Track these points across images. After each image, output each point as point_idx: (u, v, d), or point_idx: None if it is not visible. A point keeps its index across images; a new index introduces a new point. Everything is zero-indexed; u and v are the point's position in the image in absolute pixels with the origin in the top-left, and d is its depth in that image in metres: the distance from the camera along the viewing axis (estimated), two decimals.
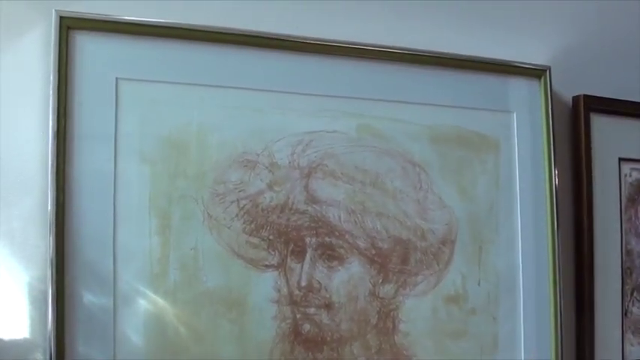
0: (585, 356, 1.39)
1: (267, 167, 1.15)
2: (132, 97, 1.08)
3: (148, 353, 1.05)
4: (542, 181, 1.37)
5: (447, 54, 1.29)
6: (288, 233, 1.14)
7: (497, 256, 1.30)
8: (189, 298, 1.08)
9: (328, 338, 1.15)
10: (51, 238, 1.00)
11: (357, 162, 1.21)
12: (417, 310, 1.22)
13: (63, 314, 1.01)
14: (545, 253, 1.34)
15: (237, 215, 1.11)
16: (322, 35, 1.19)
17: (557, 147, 1.37)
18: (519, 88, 1.37)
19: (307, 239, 1.16)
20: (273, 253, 1.13)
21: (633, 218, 1.47)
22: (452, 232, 1.27)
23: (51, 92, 1.02)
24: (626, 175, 1.48)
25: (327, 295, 1.16)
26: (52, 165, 1.01)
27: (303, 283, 1.15)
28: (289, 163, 1.16)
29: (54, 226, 1.01)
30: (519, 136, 1.36)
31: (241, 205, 1.12)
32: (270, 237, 1.13)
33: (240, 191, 1.12)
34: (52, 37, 1.02)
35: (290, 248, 1.15)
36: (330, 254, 1.17)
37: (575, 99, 1.45)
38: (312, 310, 1.15)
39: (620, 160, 1.49)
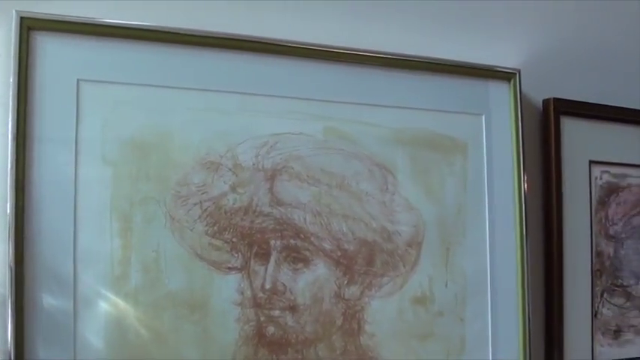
0: (554, 357, 1.40)
1: (230, 169, 1.14)
2: (93, 98, 1.07)
3: (109, 356, 1.03)
4: (512, 183, 1.37)
5: (416, 57, 1.30)
6: (252, 236, 1.14)
7: (464, 258, 1.30)
8: (150, 301, 1.07)
9: (293, 340, 1.15)
10: (10, 241, 1.00)
11: (324, 164, 1.21)
12: (383, 311, 1.22)
13: (23, 317, 1.00)
14: (513, 256, 1.34)
15: (199, 217, 1.10)
16: (289, 37, 1.20)
17: (527, 150, 1.38)
18: (489, 91, 1.38)
19: (272, 242, 1.16)
20: (236, 255, 1.13)
21: (604, 220, 1.48)
22: (419, 234, 1.27)
23: (10, 94, 1.01)
24: (596, 178, 1.49)
25: (292, 298, 1.16)
26: (11, 168, 1.01)
27: (268, 286, 1.15)
28: (253, 165, 1.15)
29: (13, 229, 1.00)
30: (488, 138, 1.37)
31: (204, 208, 1.11)
32: (234, 239, 1.13)
33: (203, 193, 1.11)
34: (12, 38, 1.02)
35: (254, 251, 1.15)
36: (295, 256, 1.17)
37: (546, 102, 1.45)
38: (276, 313, 1.15)
39: (591, 162, 1.49)
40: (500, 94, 1.39)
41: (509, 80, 1.38)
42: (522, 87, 1.38)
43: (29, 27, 1.03)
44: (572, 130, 1.47)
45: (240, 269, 1.13)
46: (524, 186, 1.36)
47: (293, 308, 1.16)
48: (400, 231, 1.26)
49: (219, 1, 1.19)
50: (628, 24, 1.60)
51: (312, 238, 1.18)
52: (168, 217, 1.09)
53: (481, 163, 1.35)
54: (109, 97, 1.09)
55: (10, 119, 1.01)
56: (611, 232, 1.50)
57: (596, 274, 1.47)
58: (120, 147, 1.08)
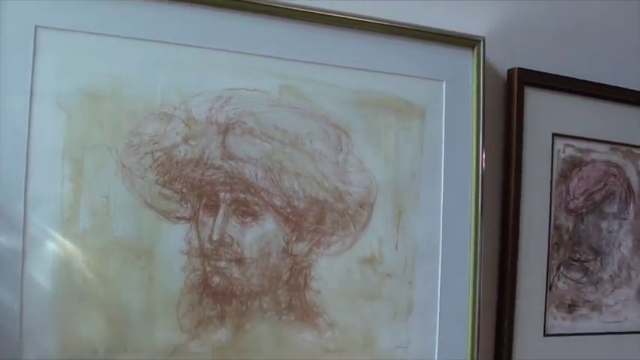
0: (504, 326, 1.43)
1: (183, 121, 1.18)
2: (51, 45, 1.11)
3: (56, 297, 1.08)
4: (470, 152, 1.39)
5: (378, 19, 1.31)
6: (202, 187, 1.17)
7: (417, 222, 1.33)
8: (98, 245, 1.11)
9: (238, 292, 1.19)
10: None
11: (277, 122, 1.25)
12: (331, 269, 1.26)
13: None
14: (467, 224, 1.37)
15: (150, 167, 1.14)
16: None
17: (488, 119, 1.41)
18: (451, 58, 1.41)
19: (221, 194, 1.19)
20: (185, 205, 1.16)
21: (564, 194, 1.51)
22: (371, 196, 1.30)
23: None
24: (559, 151, 1.52)
25: (239, 250, 1.20)
26: None
27: (215, 237, 1.18)
28: (207, 118, 1.18)
29: None
30: (448, 105, 1.40)
31: (155, 157, 1.14)
32: (184, 190, 1.16)
33: (155, 143, 1.14)
34: None
35: (203, 202, 1.18)
36: (244, 210, 1.21)
37: (510, 72, 1.48)
38: (222, 264, 1.19)
39: (554, 135, 1.51)
40: (463, 61, 1.42)
41: (472, 48, 1.38)
42: (487, 56, 1.41)
43: None
44: (537, 101, 1.49)
45: (188, 219, 1.16)
46: (483, 155, 1.38)
47: (239, 261, 1.20)
48: (352, 191, 1.28)
49: None
50: None
51: (262, 194, 1.22)
52: (120, 165, 1.12)
53: (439, 130, 1.38)
54: (66, 45, 1.12)
55: None
56: (572, 206, 1.52)
57: (553, 247, 1.50)
58: (75, 94, 1.10)
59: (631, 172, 1.60)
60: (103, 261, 1.12)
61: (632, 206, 1.60)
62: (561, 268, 1.49)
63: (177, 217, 1.16)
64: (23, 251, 1.07)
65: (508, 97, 1.49)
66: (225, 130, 1.19)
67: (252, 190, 1.21)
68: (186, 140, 1.17)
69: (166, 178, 1.15)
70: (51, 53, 1.11)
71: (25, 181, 1.08)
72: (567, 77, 1.52)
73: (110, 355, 1.11)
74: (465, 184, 1.38)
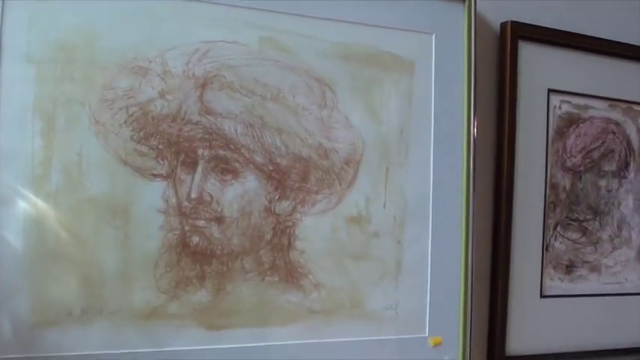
0: (498, 288, 1.39)
1: (159, 75, 1.12)
2: None
3: (27, 257, 1.04)
4: (461, 107, 1.34)
5: None
6: (179, 143, 1.13)
7: (405, 179, 1.29)
8: (71, 203, 1.06)
9: (218, 252, 1.15)
10: None
11: (258, 75, 1.19)
12: (315, 228, 1.22)
13: None
14: (459, 181, 1.33)
15: (125, 122, 1.10)
16: None
17: (481, 74, 1.35)
18: (440, 10, 1.34)
19: (200, 151, 1.14)
20: (162, 162, 1.12)
21: (561, 152, 1.46)
22: (357, 153, 1.25)
23: None
24: (555, 107, 1.46)
25: (219, 209, 1.15)
26: None
27: (194, 195, 1.14)
28: (183, 72, 1.13)
29: None
30: (438, 59, 1.34)
31: (130, 113, 1.10)
32: (160, 146, 1.12)
33: (129, 98, 1.10)
34: None
35: (180, 159, 1.13)
36: (223, 167, 1.16)
37: (503, 25, 1.42)
38: (201, 223, 1.15)
39: (550, 91, 1.46)
40: (453, 13, 1.36)
41: (463, 0, 1.32)
42: (478, 8, 1.35)
43: None
44: (531, 56, 1.43)
45: (165, 177, 1.12)
46: (475, 111, 1.33)
47: (219, 220, 1.15)
48: (337, 148, 1.24)
49: None
50: None
51: (242, 150, 1.17)
52: (93, 120, 1.08)
53: (429, 85, 1.32)
54: None
55: None
56: (569, 164, 1.47)
57: (549, 206, 1.45)
58: (45, 47, 1.06)
59: (631, 130, 1.55)
60: (77, 220, 1.07)
61: (632, 164, 1.55)
62: (558, 228, 1.44)
63: (154, 175, 1.12)
64: None
65: (501, 51, 1.43)
66: (203, 84, 1.14)
67: (232, 147, 1.16)
68: (162, 95, 1.12)
69: (142, 134, 1.11)
70: (20, 6, 1.05)
71: None
72: (563, 31, 1.46)
73: (85, 317, 1.08)
74: (455, 141, 1.33)
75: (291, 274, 1.21)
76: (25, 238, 1.05)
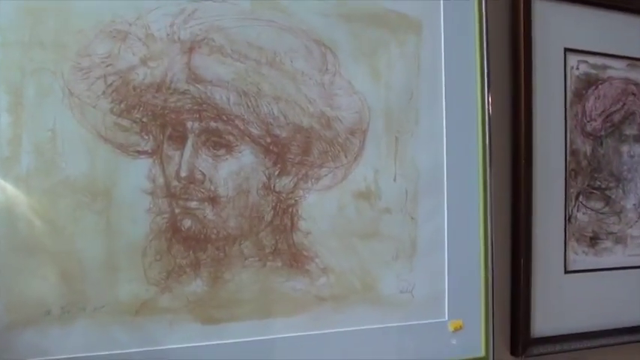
0: (520, 265, 1.26)
1: (140, 39, 0.99)
2: None
3: None
4: (473, 70, 1.21)
5: None
6: (165, 116, 0.99)
7: (416, 149, 1.16)
8: (45, 187, 0.94)
9: (213, 236, 1.02)
10: None
11: (251, 38, 1.05)
12: (321, 206, 1.09)
13: None
14: (474, 150, 1.20)
15: (103, 93, 0.96)
16: None
17: (493, 34, 1.22)
18: None
19: (189, 123, 1.01)
20: (146, 137, 0.99)
21: (580, 115, 1.32)
22: (363, 122, 1.12)
23: None
24: (572, 68, 1.33)
25: (212, 188, 1.02)
26: None
27: (183, 174, 1.01)
28: (167, 35, 1.00)
29: None
30: (447, 18, 1.19)
31: (109, 82, 0.97)
32: (144, 119, 0.99)
33: (107, 66, 0.96)
34: None
35: (167, 133, 1.00)
36: (216, 141, 1.03)
37: None
38: (193, 204, 1.02)
39: (567, 50, 1.32)
40: None
41: None
42: None
43: None
44: (546, 13, 1.30)
45: (151, 154, 0.99)
46: (488, 74, 1.20)
47: (213, 200, 1.02)
48: (341, 117, 1.10)
49: None
50: None
51: (236, 121, 1.04)
52: (67, 92, 0.94)
53: (438, 46, 1.18)
54: None
55: None
56: (589, 128, 1.34)
57: (570, 174, 1.32)
58: (9, 10, 0.93)
59: None
60: (52, 205, 0.94)
61: None
62: (580, 198, 1.31)
63: (138, 152, 0.99)
64: None
65: (514, 8, 1.29)
66: (190, 48, 1.01)
67: (225, 118, 1.03)
68: (144, 61, 0.98)
69: (123, 106, 0.98)
70: None
71: None
72: None
73: (66, 316, 0.95)
74: (469, 107, 1.20)
75: (295, 259, 1.08)
76: None
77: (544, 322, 1.29)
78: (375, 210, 1.13)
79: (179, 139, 1.01)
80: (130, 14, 0.99)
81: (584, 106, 1.34)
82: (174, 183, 1.01)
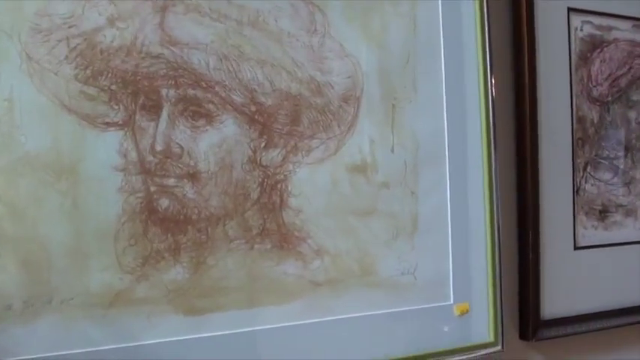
0: (528, 240, 1.18)
1: None
2: None
3: None
4: (473, 31, 1.12)
5: None
6: (137, 82, 0.89)
7: (415, 117, 1.07)
8: (2, 165, 0.83)
9: (194, 217, 0.92)
10: None
11: None
12: (313, 181, 1.00)
13: None
14: (476, 116, 1.11)
15: (66, 58, 0.86)
16: None
17: None
18: None
19: (163, 91, 0.91)
20: (116, 107, 0.89)
21: (585, 80, 1.24)
22: (356, 87, 1.03)
23: None
24: (576, 29, 1.25)
25: (192, 163, 0.92)
26: None
27: (159, 147, 0.91)
28: None
29: None
30: None
31: (72, 45, 0.86)
32: (113, 87, 0.88)
33: (70, 27, 0.86)
34: None
35: (140, 102, 0.90)
36: (195, 111, 0.93)
37: None
38: (171, 182, 0.92)
39: (570, 10, 1.24)
40: None
41: None
42: None
43: None
44: None
45: (121, 125, 0.89)
46: (488, 35, 1.11)
47: (193, 176, 0.92)
48: (333, 82, 1.01)
49: None
50: None
51: (217, 88, 0.93)
52: (25, 57, 0.84)
53: (435, 5, 1.09)
54: None
55: None
56: (595, 94, 1.26)
57: (577, 143, 1.24)
58: None
59: None
60: (11, 184, 0.84)
61: None
62: (588, 168, 1.25)
63: (107, 123, 0.88)
64: None
65: None
66: (164, 7, 0.90)
67: (204, 85, 0.92)
68: (112, 22, 0.88)
69: (89, 72, 0.87)
70: None
71: None
72: None
73: (30, 310, 0.84)
74: (469, 71, 1.11)
75: (286, 240, 0.98)
76: None
77: (554, 303, 1.21)
78: (371, 184, 1.04)
79: (153, 108, 0.91)
80: None
81: (589, 70, 1.26)
82: (149, 158, 0.91)
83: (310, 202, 1.00)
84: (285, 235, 0.98)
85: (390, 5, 1.06)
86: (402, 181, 1.06)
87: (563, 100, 1.22)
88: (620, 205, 1.28)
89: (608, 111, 1.27)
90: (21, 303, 0.84)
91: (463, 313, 1.11)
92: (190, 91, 0.92)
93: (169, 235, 0.91)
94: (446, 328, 1.09)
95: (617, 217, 1.28)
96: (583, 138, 1.24)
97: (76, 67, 0.87)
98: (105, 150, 0.88)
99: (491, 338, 1.12)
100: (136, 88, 0.90)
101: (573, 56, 1.23)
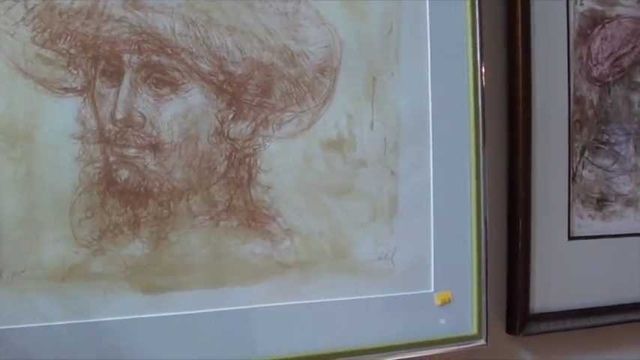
0: (518, 229, 1.21)
1: None
2: None
3: None
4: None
5: None
6: (97, 47, 0.92)
7: (398, 91, 1.10)
8: None
9: (155, 190, 0.96)
10: None
11: None
12: (284, 157, 1.03)
13: None
14: (464, 92, 1.14)
15: (23, 19, 0.89)
16: None
17: None
18: None
19: (126, 56, 0.94)
20: (75, 72, 0.92)
21: (585, 58, 1.27)
22: (333, 58, 1.06)
23: None
24: (576, 2, 1.27)
25: (155, 133, 0.96)
26: None
27: (120, 115, 0.94)
28: None
29: None
30: None
31: (30, 6, 0.89)
32: (72, 51, 0.91)
33: None
34: None
35: (100, 67, 0.93)
36: (158, 78, 0.96)
37: None
38: (131, 152, 0.95)
39: None
40: None
41: None
42: None
43: None
44: None
45: (80, 91, 0.92)
46: (479, 3, 1.13)
47: (155, 147, 0.96)
48: (308, 52, 1.04)
49: None
50: None
51: (182, 55, 0.97)
52: None
53: None
54: None
55: None
56: (595, 73, 1.29)
57: (574, 125, 1.27)
58: None
59: None
60: None
61: None
62: (586, 153, 1.26)
63: (65, 89, 0.92)
64: None
65: None
66: None
67: (169, 51, 0.96)
68: None
69: (47, 34, 0.90)
70: None
71: None
72: None
73: None
74: (457, 43, 1.14)
75: (253, 217, 1.02)
76: None
77: (545, 296, 1.24)
78: (348, 162, 1.07)
79: (114, 74, 0.94)
80: None
81: (589, 48, 1.29)
82: (109, 126, 0.94)
83: (281, 178, 1.03)
84: (252, 212, 1.01)
85: None
86: (381, 159, 1.09)
87: (559, 79, 1.25)
88: (621, 194, 1.31)
89: (609, 92, 1.29)
90: None
91: (444, 303, 1.13)
92: (154, 58, 0.96)
93: (129, 208, 0.95)
94: (425, 318, 1.11)
95: (617, 206, 1.31)
96: (581, 120, 1.27)
97: (33, 30, 0.90)
98: (62, 117, 0.92)
99: (474, 331, 1.14)
100: (96, 53, 0.93)
101: (572, 32, 1.26)
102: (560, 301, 1.26)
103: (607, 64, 1.31)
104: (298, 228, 1.04)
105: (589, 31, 1.28)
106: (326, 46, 1.06)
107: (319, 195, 1.06)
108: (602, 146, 1.30)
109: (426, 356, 1.11)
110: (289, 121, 1.04)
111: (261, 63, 1.01)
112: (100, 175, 0.94)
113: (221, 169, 1.00)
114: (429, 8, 1.13)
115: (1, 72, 0.89)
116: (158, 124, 0.97)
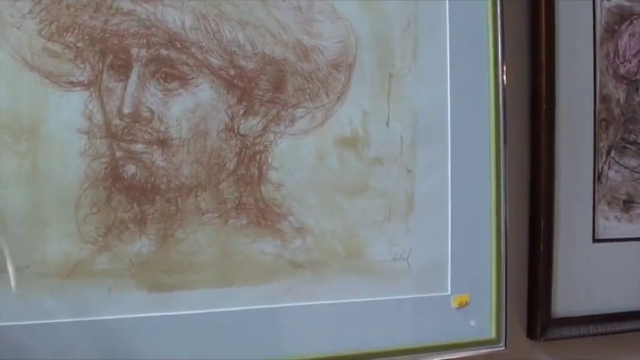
0: (540, 231, 1.18)
1: None
2: None
3: None
4: None
5: None
6: (105, 40, 0.91)
7: (415, 88, 1.08)
8: None
9: (163, 186, 0.94)
10: None
11: None
12: (296, 154, 1.01)
13: None
14: (484, 88, 1.12)
15: (30, 12, 0.88)
16: None
17: None
18: None
19: (134, 50, 0.93)
20: (82, 66, 0.90)
21: (612, 55, 1.25)
22: (348, 53, 1.04)
23: None
24: None
25: (163, 128, 0.94)
26: None
27: (127, 110, 0.93)
28: None
29: None
30: None
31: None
32: (79, 44, 0.90)
33: None
34: None
35: (108, 61, 0.92)
36: (167, 72, 0.94)
37: None
38: (138, 147, 0.94)
39: None
40: None
41: None
42: None
43: None
44: None
45: (87, 85, 0.91)
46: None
47: (163, 142, 0.94)
48: (322, 47, 1.02)
49: None
50: None
51: (192, 49, 0.95)
52: None
53: None
54: None
55: None
56: (622, 71, 1.26)
57: (600, 124, 1.24)
58: None
59: None
60: None
61: None
62: (612, 153, 1.24)
63: (72, 83, 0.90)
64: None
65: None
66: None
67: (179, 45, 0.94)
68: None
69: (54, 27, 0.89)
70: None
71: None
72: None
73: None
74: (478, 39, 1.12)
75: (264, 216, 1.00)
76: None
77: (568, 300, 1.21)
78: (363, 160, 1.05)
79: (122, 68, 0.93)
80: None
81: (616, 45, 1.26)
82: (116, 121, 0.92)
83: (292, 176, 1.01)
84: (263, 210, 0.99)
85: None
86: (397, 157, 1.07)
87: (585, 77, 1.22)
88: None
89: (637, 90, 1.27)
90: None
91: (462, 306, 1.11)
92: (163, 52, 0.94)
93: (135, 204, 0.93)
94: (441, 321, 1.08)
95: None
96: (607, 119, 1.24)
97: (40, 22, 0.89)
98: (68, 111, 0.90)
99: (492, 335, 1.12)
100: (104, 47, 0.91)
101: (598, 28, 1.23)
102: (583, 306, 1.23)
103: (635, 61, 1.28)
104: (310, 227, 1.02)
105: (616, 27, 1.26)
106: (341, 41, 1.04)
107: (332, 193, 1.04)
108: (629, 146, 1.27)
109: None
110: (302, 117, 1.02)
111: (274, 58, 0.99)
112: (107, 171, 0.92)
113: (231, 165, 0.99)
114: (449, 5, 1.11)
115: (7, 65, 0.88)
116: (166, 119, 0.95)
